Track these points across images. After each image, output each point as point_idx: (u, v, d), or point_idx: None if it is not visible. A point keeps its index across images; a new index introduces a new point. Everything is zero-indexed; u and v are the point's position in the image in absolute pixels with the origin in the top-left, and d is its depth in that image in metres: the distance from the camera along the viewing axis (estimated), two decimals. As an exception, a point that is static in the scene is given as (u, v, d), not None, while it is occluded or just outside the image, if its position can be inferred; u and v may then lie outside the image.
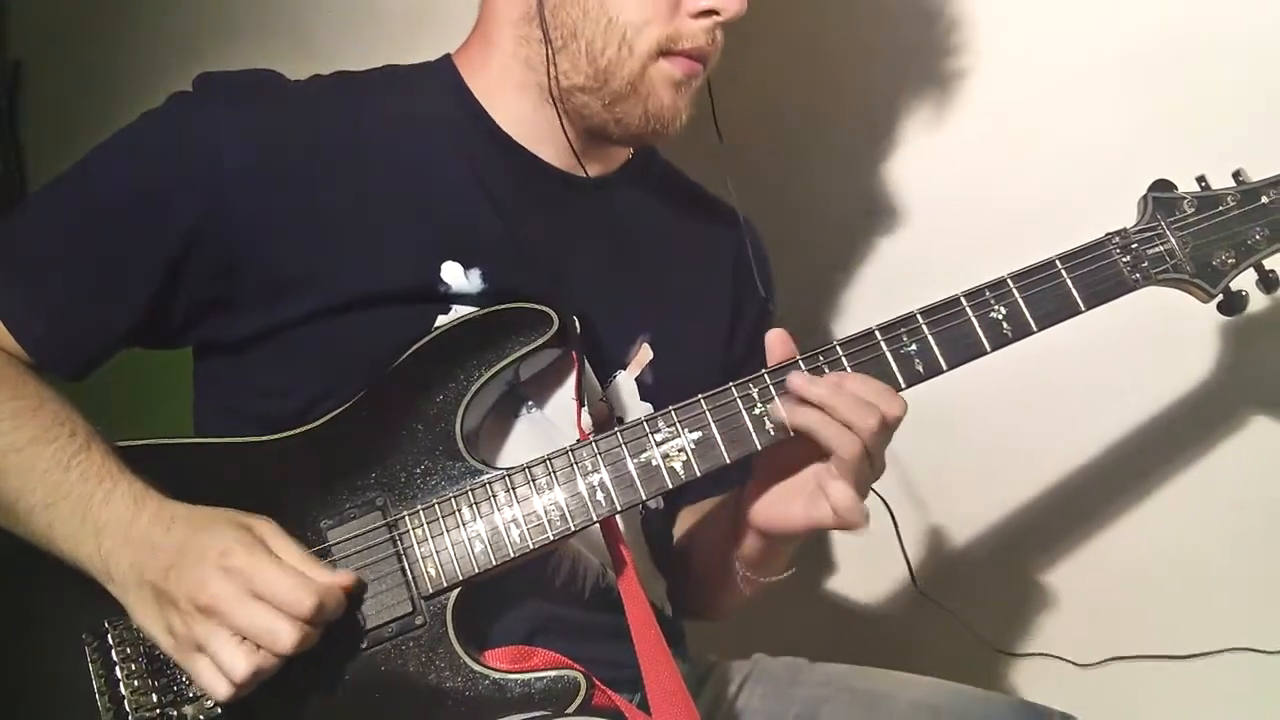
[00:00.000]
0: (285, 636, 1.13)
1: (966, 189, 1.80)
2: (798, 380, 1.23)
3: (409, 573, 1.23)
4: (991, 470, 1.89)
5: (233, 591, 1.13)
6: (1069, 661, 1.69)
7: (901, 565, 1.60)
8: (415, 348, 1.30)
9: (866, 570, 2.00)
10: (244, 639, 1.13)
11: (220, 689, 1.14)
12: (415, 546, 1.24)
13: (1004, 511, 1.90)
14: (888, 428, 1.22)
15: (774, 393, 1.25)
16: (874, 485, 1.29)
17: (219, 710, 1.19)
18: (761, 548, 1.36)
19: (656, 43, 1.30)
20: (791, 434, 1.24)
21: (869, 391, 1.22)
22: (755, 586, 1.40)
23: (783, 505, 1.30)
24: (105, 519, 1.18)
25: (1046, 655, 1.74)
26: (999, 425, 1.85)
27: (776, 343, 1.28)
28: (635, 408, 1.43)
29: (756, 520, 1.32)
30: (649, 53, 1.30)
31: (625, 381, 1.43)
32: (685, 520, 1.56)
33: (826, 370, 1.25)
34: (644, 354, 1.45)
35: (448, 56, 1.44)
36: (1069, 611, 1.86)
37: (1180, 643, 1.69)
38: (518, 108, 1.38)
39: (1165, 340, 1.68)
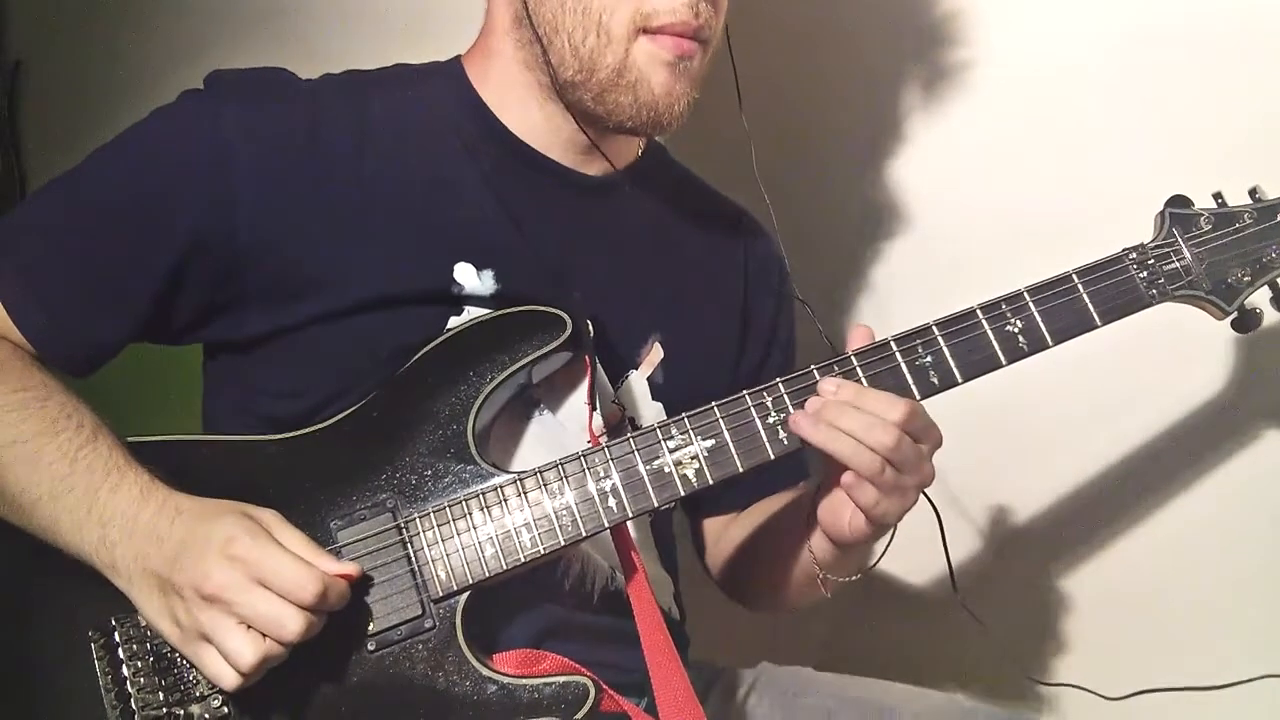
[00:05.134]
0: (291, 624, 1.12)
1: (985, 201, 1.80)
2: (798, 416, 1.23)
3: (419, 575, 1.22)
4: (1024, 496, 1.87)
5: (238, 579, 1.12)
6: (1098, 695, 1.66)
7: (932, 580, 1.58)
8: (427, 349, 1.29)
9: (899, 583, 1.97)
10: (250, 627, 1.12)
11: (227, 678, 1.13)
12: (425, 549, 1.23)
13: (1034, 541, 1.88)
14: (906, 437, 1.21)
15: (788, 403, 1.25)
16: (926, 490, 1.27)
17: (226, 710, 1.18)
18: (831, 549, 1.33)
19: (631, 21, 1.27)
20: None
21: (878, 406, 1.21)
22: (831, 585, 1.38)
23: (836, 513, 1.28)
24: (112, 511, 1.18)
25: (1075, 687, 1.72)
26: (1041, 445, 1.83)
27: (858, 337, 1.28)
28: (647, 408, 1.43)
29: (822, 524, 1.31)
30: (626, 34, 1.28)
31: (637, 382, 1.43)
32: (739, 527, 1.55)
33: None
34: (655, 353, 1.44)
35: (457, 59, 1.44)
36: (1099, 641, 1.84)
37: (1211, 673, 1.66)
38: (524, 110, 1.37)
39: (1182, 359, 1.67)
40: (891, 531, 1.29)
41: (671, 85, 1.30)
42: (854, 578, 1.37)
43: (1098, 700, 1.64)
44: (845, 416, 1.21)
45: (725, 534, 1.57)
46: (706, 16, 1.29)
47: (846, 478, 1.22)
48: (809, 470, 1.51)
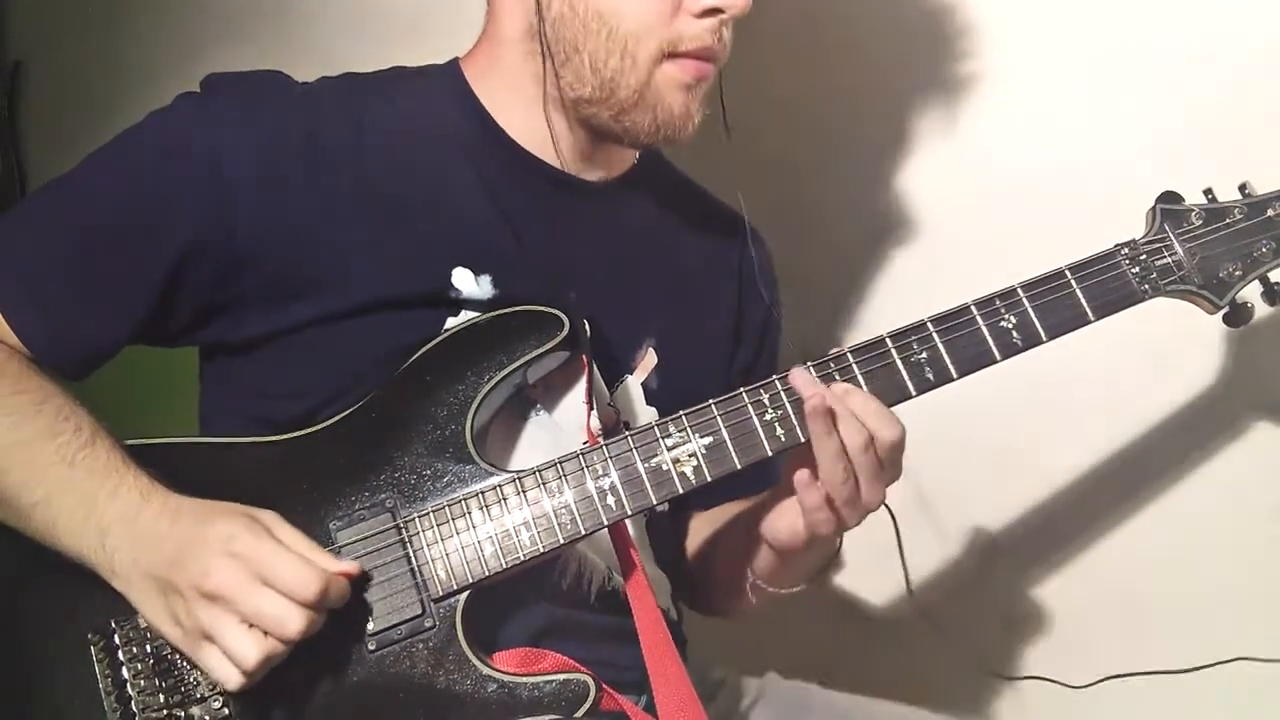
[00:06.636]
0: (293, 622, 1.12)
1: (977, 198, 1.80)
2: (801, 377, 1.24)
3: (419, 575, 1.23)
4: (981, 487, 1.88)
5: (239, 577, 1.12)
6: (1062, 684, 1.67)
7: (891, 586, 1.57)
8: (425, 349, 1.30)
9: (863, 591, 1.99)
10: (252, 626, 1.12)
11: (231, 677, 1.13)
12: (425, 548, 1.24)
13: (992, 532, 1.89)
14: (881, 449, 1.22)
15: (785, 400, 1.26)
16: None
17: (226, 711, 1.19)
18: (770, 557, 1.36)
19: (659, 48, 1.29)
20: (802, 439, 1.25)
21: (867, 410, 1.22)
22: (763, 596, 1.41)
23: (778, 516, 1.31)
24: (111, 514, 1.18)
25: (1039, 679, 1.72)
26: (989, 441, 1.84)
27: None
28: (641, 413, 1.43)
29: (762, 529, 1.33)
30: (652, 59, 1.29)
31: (631, 386, 1.44)
32: (700, 525, 1.57)
33: (837, 378, 1.26)
34: (649, 359, 1.45)
35: (455, 61, 1.44)
36: (1061, 631, 1.84)
37: (1177, 657, 1.67)
38: (524, 115, 1.38)
39: (1163, 351, 1.68)
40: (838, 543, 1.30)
41: (688, 105, 1.32)
42: (795, 590, 1.39)
43: (1063, 690, 1.64)
44: (847, 423, 1.21)
45: (691, 531, 1.58)
46: (726, 40, 1.32)
47: (802, 478, 1.23)
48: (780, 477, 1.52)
